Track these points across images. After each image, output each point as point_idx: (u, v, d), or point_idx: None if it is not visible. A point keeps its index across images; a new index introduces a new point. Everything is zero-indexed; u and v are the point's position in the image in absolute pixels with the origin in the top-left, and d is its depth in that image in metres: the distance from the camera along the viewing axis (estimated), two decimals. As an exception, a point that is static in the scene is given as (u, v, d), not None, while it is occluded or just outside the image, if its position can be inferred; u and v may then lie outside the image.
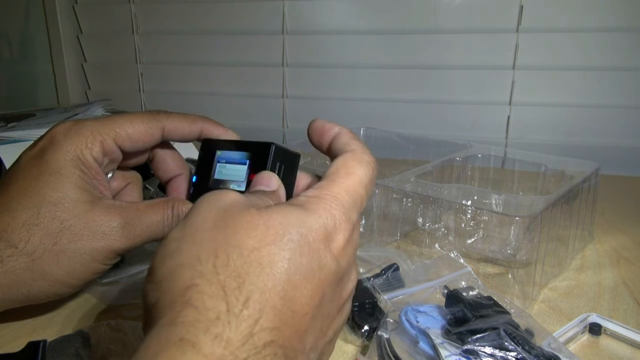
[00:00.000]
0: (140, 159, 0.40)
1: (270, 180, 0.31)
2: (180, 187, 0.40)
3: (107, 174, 0.37)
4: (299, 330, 0.21)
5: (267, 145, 0.34)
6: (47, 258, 0.32)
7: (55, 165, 0.33)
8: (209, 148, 0.38)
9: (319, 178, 0.33)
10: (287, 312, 0.21)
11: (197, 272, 0.21)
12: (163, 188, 0.41)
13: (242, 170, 0.35)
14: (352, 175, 0.27)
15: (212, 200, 0.24)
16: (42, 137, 0.35)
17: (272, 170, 0.33)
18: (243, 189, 0.34)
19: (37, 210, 0.32)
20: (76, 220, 0.33)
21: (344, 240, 0.24)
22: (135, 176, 0.41)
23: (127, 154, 0.37)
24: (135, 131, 0.36)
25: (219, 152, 0.37)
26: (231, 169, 0.36)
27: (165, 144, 0.40)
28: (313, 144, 0.32)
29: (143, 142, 0.37)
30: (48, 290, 0.34)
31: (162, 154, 0.40)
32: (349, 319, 0.37)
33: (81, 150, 0.34)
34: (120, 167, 0.39)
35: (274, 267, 0.21)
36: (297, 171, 0.35)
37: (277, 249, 0.21)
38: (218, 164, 0.37)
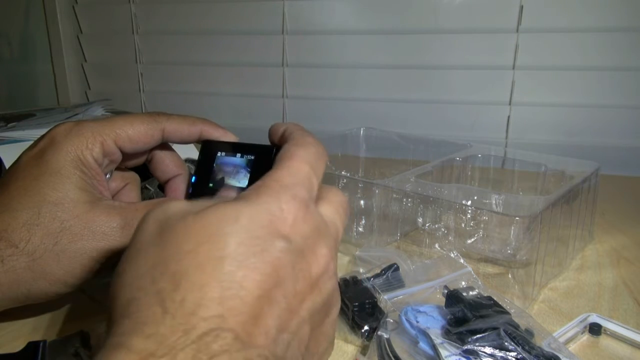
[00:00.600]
0: (139, 160, 0.40)
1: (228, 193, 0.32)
2: (178, 187, 0.40)
3: (106, 175, 0.37)
4: (253, 314, 0.21)
5: (269, 149, 0.34)
6: (47, 258, 0.32)
7: (55, 165, 0.33)
8: (209, 149, 0.38)
9: None
10: (233, 299, 0.20)
11: (135, 287, 0.21)
12: (163, 188, 0.41)
13: (242, 172, 0.35)
14: (293, 157, 0.27)
15: (154, 215, 0.24)
16: (42, 137, 0.35)
17: None
18: (244, 184, 0.34)
19: (38, 210, 0.33)
20: (76, 221, 0.33)
21: (293, 218, 0.24)
22: (134, 177, 0.41)
23: (126, 155, 0.37)
24: (136, 132, 0.36)
25: (219, 154, 0.37)
26: (232, 171, 0.36)
27: (163, 144, 0.40)
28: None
29: (143, 144, 0.37)
30: (48, 290, 0.34)
31: (161, 155, 0.40)
32: (349, 319, 0.37)
33: (81, 151, 0.34)
34: (119, 168, 0.39)
35: (211, 262, 0.21)
36: None
37: (212, 244, 0.22)
38: (218, 166, 0.37)
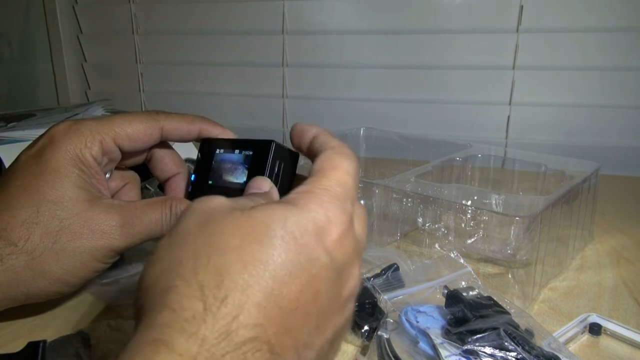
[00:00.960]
0: (139, 159, 0.40)
1: (262, 183, 0.31)
2: (178, 186, 0.40)
3: (105, 174, 0.37)
4: (288, 326, 0.20)
5: (267, 143, 0.34)
6: (46, 256, 0.32)
7: (54, 164, 0.33)
8: (207, 147, 0.38)
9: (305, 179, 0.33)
10: (273, 308, 0.20)
11: (176, 274, 0.21)
12: (163, 188, 0.41)
13: (241, 168, 0.35)
14: (339, 167, 0.26)
15: (197, 207, 0.24)
16: (41, 136, 0.35)
17: (272, 168, 0.33)
18: (242, 187, 0.34)
19: (37, 208, 0.33)
20: (75, 219, 0.33)
21: (339, 233, 0.23)
22: (133, 176, 0.41)
23: (125, 154, 0.37)
24: (135, 131, 0.36)
25: (217, 151, 0.37)
26: (230, 168, 0.36)
27: (163, 143, 0.40)
28: (294, 147, 0.32)
29: (142, 142, 0.37)
30: (48, 289, 0.34)
31: (160, 154, 0.40)
32: (349, 319, 0.37)
33: (80, 150, 0.34)
34: (119, 167, 0.39)
35: (257, 265, 0.21)
36: (296, 170, 0.35)
37: (260, 246, 0.21)
38: (216, 163, 0.37)
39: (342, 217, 0.24)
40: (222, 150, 0.37)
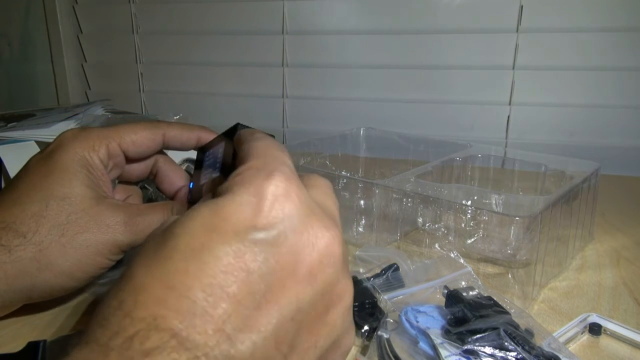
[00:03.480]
0: (143, 173, 0.42)
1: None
2: (184, 197, 0.42)
3: (111, 179, 0.39)
4: (199, 312, 0.19)
5: (233, 127, 0.33)
6: (53, 249, 0.34)
7: (63, 164, 0.35)
8: (200, 153, 0.39)
9: None
10: (178, 300, 0.19)
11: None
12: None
13: (219, 160, 0.35)
14: (256, 148, 0.25)
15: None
16: (51, 142, 0.37)
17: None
18: (218, 173, 0.34)
19: (46, 203, 0.34)
20: (82, 214, 0.35)
21: (271, 200, 0.21)
22: (136, 190, 0.43)
23: (130, 160, 0.39)
24: (139, 137, 0.38)
25: (206, 153, 0.38)
26: (213, 164, 0.36)
27: (166, 159, 0.42)
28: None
29: (146, 147, 0.39)
30: (53, 283, 0.34)
31: (165, 169, 0.42)
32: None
33: (88, 152, 0.36)
34: (123, 181, 0.41)
35: (157, 263, 0.21)
36: None
37: (160, 245, 0.21)
38: (205, 165, 0.37)
39: (272, 184, 0.22)
40: (208, 152, 0.38)
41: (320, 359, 0.23)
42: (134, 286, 0.20)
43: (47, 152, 0.36)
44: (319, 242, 0.22)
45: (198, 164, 0.39)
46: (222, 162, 0.34)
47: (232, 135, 0.32)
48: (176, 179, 0.42)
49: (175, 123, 0.40)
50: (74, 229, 0.34)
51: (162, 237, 0.22)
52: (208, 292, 0.20)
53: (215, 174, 0.34)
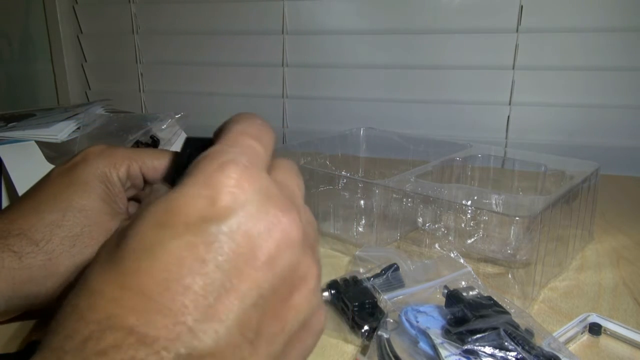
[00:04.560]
0: None
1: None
2: None
3: (128, 200, 0.39)
4: (156, 308, 0.19)
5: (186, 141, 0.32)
6: (63, 258, 0.34)
7: (84, 177, 0.36)
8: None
9: None
10: (131, 297, 0.19)
11: None
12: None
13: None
14: (229, 131, 0.24)
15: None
16: (77, 154, 0.38)
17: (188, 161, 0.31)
18: None
19: (63, 213, 0.35)
20: (96, 227, 0.35)
21: (219, 191, 0.21)
22: None
23: (148, 184, 0.40)
24: (161, 164, 0.38)
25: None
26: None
27: None
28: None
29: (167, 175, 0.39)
30: (58, 291, 0.34)
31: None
32: (349, 319, 0.37)
33: (109, 169, 0.37)
34: (136, 199, 0.41)
35: (108, 264, 0.21)
36: None
37: (112, 247, 0.21)
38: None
39: (223, 175, 0.21)
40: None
41: (290, 341, 0.23)
42: (87, 290, 0.20)
43: (71, 164, 0.37)
44: (275, 228, 0.22)
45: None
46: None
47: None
48: None
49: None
50: (85, 242, 0.35)
51: (115, 240, 0.21)
52: (163, 286, 0.19)
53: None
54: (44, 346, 0.19)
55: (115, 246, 0.21)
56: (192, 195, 0.21)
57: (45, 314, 0.38)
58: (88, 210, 0.35)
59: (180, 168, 0.36)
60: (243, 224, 0.21)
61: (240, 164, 0.22)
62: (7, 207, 0.37)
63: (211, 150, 0.23)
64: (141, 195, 0.41)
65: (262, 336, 0.21)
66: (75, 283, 0.22)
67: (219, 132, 0.25)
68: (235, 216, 0.21)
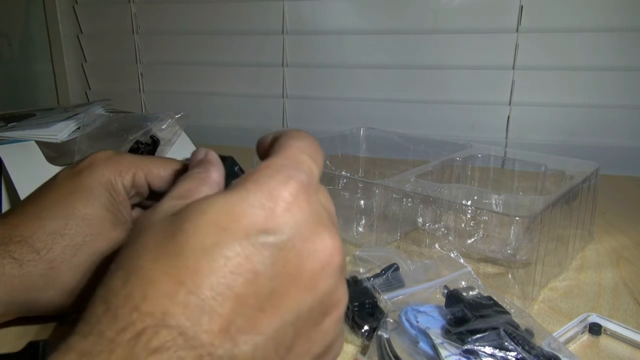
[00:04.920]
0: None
1: (198, 154, 0.31)
2: None
3: (132, 206, 0.39)
4: (207, 311, 0.19)
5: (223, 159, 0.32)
6: (64, 268, 0.34)
7: (89, 184, 0.35)
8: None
9: None
10: (184, 294, 0.19)
11: (95, 289, 0.21)
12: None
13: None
14: (287, 146, 0.25)
15: (138, 219, 0.24)
16: (83, 159, 0.38)
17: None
18: None
19: (66, 221, 0.34)
20: (99, 237, 0.35)
21: (284, 205, 0.22)
22: None
23: (152, 193, 0.39)
24: (167, 173, 0.38)
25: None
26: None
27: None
28: (260, 158, 0.31)
29: (171, 185, 0.38)
30: (56, 301, 0.34)
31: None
32: (348, 319, 0.37)
33: (115, 177, 0.36)
34: (142, 205, 0.40)
35: (167, 257, 0.20)
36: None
37: (172, 239, 0.21)
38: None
39: (288, 187, 0.22)
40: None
41: None
42: (142, 279, 0.20)
43: (76, 169, 0.37)
44: (323, 251, 0.23)
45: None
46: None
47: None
48: None
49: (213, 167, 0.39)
50: (87, 251, 0.34)
51: (169, 229, 0.21)
52: (216, 291, 0.20)
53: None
54: (94, 331, 0.19)
55: (170, 236, 0.21)
56: (254, 205, 0.22)
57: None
58: (91, 219, 0.35)
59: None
60: (296, 243, 0.22)
61: (300, 183, 0.23)
62: (10, 211, 0.36)
63: (273, 162, 0.23)
64: (146, 205, 0.40)
65: (291, 354, 0.22)
66: (114, 260, 0.22)
67: (273, 144, 0.26)
68: (291, 234, 0.22)
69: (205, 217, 0.21)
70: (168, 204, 0.24)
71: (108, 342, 0.19)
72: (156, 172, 0.37)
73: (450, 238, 0.49)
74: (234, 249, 0.21)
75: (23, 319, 0.38)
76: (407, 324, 0.33)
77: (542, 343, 0.32)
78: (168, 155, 0.42)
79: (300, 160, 0.24)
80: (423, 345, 0.32)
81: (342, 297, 0.24)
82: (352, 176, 0.65)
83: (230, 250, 0.21)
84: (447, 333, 0.32)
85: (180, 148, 0.42)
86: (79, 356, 0.18)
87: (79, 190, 0.35)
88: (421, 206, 0.51)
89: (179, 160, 0.39)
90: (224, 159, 0.32)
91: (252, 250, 0.21)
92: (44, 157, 0.54)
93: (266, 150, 0.27)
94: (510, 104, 0.87)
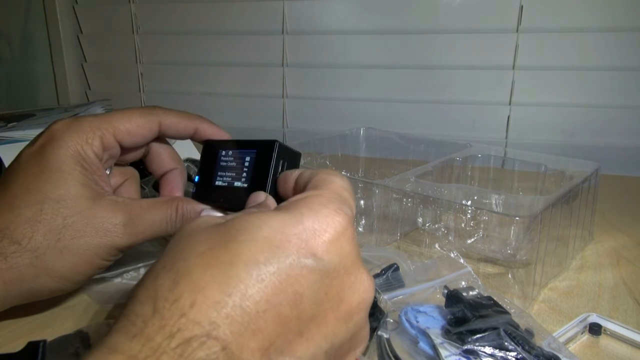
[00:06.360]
0: (137, 155, 0.40)
1: (257, 197, 0.31)
2: (174, 181, 0.40)
3: (106, 170, 0.37)
4: (253, 328, 0.20)
5: (270, 143, 0.34)
6: (50, 254, 0.32)
7: (56, 162, 0.33)
8: (211, 148, 0.38)
9: None
10: (232, 307, 0.20)
11: (140, 285, 0.21)
12: (157, 188, 0.41)
13: (245, 169, 0.35)
14: (333, 182, 0.26)
15: (186, 226, 0.24)
16: (41, 134, 0.35)
17: (276, 167, 0.33)
18: (246, 185, 0.34)
19: (40, 207, 0.32)
20: (79, 217, 0.33)
21: (332, 234, 0.23)
22: (133, 172, 0.41)
23: (125, 149, 0.37)
24: (134, 126, 0.36)
25: (221, 152, 0.37)
26: (234, 168, 0.36)
27: (159, 139, 0.40)
28: (281, 194, 0.32)
29: (141, 137, 0.37)
30: (51, 286, 0.34)
31: (157, 148, 0.40)
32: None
33: (82, 146, 0.34)
34: (117, 164, 0.39)
35: (218, 266, 0.20)
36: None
37: (226, 249, 0.21)
38: (220, 164, 0.37)
39: (337, 220, 0.23)
40: (225, 152, 0.37)
41: None
42: (191, 284, 0.20)
43: (37, 146, 0.34)
44: (362, 285, 0.24)
45: (208, 158, 0.38)
46: (252, 173, 0.34)
47: (264, 149, 0.33)
48: (167, 160, 0.40)
49: (172, 110, 0.38)
50: (70, 233, 0.33)
51: (222, 237, 0.22)
52: (263, 308, 0.20)
53: (242, 183, 0.34)
54: (141, 334, 0.19)
55: (222, 245, 0.21)
56: (307, 228, 0.22)
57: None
58: (67, 200, 0.33)
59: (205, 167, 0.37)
60: (341, 273, 0.23)
61: (348, 217, 0.24)
62: None
63: (323, 193, 0.25)
64: (120, 165, 0.39)
65: None
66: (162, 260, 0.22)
67: (312, 179, 0.27)
68: (337, 262, 0.23)
69: (260, 232, 0.22)
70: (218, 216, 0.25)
71: (155, 347, 0.18)
72: (123, 127, 0.35)
73: (450, 238, 0.49)
74: (285, 268, 0.21)
75: (22, 316, 0.38)
76: (407, 324, 0.33)
77: (542, 343, 0.32)
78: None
79: (345, 197, 0.26)
80: (423, 345, 0.32)
81: (367, 335, 0.25)
82: (352, 176, 0.65)
83: (281, 269, 0.21)
84: (447, 333, 0.32)
85: (180, 148, 0.42)
86: (126, 359, 0.18)
87: (47, 171, 0.33)
88: (421, 206, 0.51)
89: (143, 109, 0.37)
90: (271, 143, 0.33)
91: (300, 272, 0.21)
92: (43, 157, 0.54)
93: (291, 186, 0.29)
94: (510, 104, 0.87)
